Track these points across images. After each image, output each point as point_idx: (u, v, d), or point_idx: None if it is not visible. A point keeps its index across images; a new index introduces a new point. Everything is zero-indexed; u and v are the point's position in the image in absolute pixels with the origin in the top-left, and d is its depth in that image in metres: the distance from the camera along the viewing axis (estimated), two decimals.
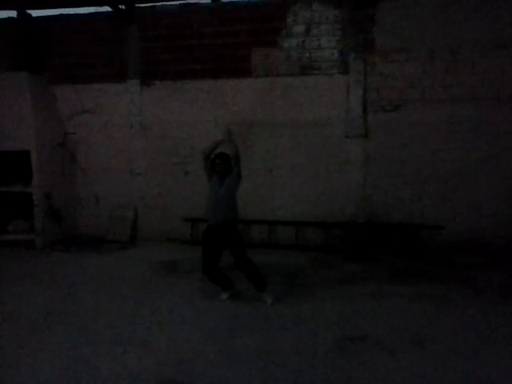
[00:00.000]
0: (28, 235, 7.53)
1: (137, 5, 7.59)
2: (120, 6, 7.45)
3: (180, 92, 7.56)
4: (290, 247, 7.17)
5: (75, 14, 7.92)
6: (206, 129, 7.41)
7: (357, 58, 6.97)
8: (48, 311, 4.57)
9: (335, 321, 4.26)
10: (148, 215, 7.84)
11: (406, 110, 6.86)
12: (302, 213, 7.24)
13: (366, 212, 7.05)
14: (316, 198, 7.19)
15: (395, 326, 4.12)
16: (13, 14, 7.86)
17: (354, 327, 4.11)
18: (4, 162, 7.62)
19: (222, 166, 4.64)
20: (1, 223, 7.77)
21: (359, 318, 4.33)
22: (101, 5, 7.63)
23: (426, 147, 6.82)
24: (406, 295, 4.92)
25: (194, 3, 7.50)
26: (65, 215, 7.92)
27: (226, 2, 7.38)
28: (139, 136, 7.81)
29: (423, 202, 6.87)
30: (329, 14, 7.03)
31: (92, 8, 7.91)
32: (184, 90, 7.54)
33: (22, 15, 7.79)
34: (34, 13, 7.95)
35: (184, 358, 3.56)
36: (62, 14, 7.96)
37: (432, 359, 3.48)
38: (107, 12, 7.63)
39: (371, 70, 6.95)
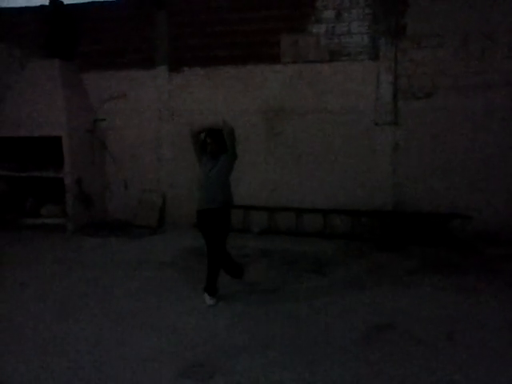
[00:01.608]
0: (59, 219, 7.71)
1: None
2: None
3: (208, 78, 7.57)
4: (316, 235, 7.14)
5: (105, 1, 7.97)
6: (234, 115, 7.39)
7: (387, 44, 6.82)
8: (77, 294, 4.68)
9: (365, 309, 4.24)
10: (176, 201, 7.92)
11: (438, 98, 6.69)
12: (330, 200, 7.19)
13: (394, 201, 6.96)
14: (344, 186, 7.12)
15: (424, 316, 4.08)
16: (45, 1, 7.99)
17: (382, 317, 4.08)
18: (37, 147, 7.82)
19: (214, 145, 4.24)
20: (34, 207, 7.99)
21: (388, 307, 4.29)
22: None
23: (457, 135, 6.65)
24: (435, 286, 4.86)
25: None
26: (95, 200, 8.08)
27: None
28: (167, 122, 7.87)
29: (454, 192, 6.72)
30: None
31: None
32: (212, 76, 7.54)
33: (54, 3, 7.89)
34: (66, 0, 8.05)
35: (212, 343, 3.61)
36: (92, 2, 8.03)
37: (462, 352, 3.42)
38: None
39: (402, 56, 6.79)
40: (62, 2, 8.00)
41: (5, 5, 8.43)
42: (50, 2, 7.89)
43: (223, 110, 7.44)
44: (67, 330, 3.85)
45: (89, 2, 8.05)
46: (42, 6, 8.04)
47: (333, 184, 7.17)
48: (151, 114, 7.95)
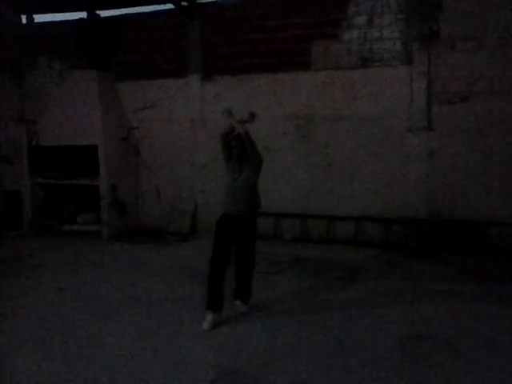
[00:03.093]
0: (95, 226, 7.91)
1: (198, 1, 7.74)
2: (182, 3, 7.62)
3: (240, 86, 7.63)
4: (348, 243, 7.05)
5: (140, 13, 8.22)
6: (266, 123, 7.43)
7: (421, 49, 6.72)
8: (114, 299, 4.77)
9: (399, 318, 4.15)
10: (207, 208, 7.97)
11: (474, 102, 6.52)
12: (362, 208, 7.10)
13: (428, 208, 6.81)
14: (376, 193, 7.02)
15: (463, 326, 3.96)
16: (83, 15, 8.26)
17: (418, 326, 3.99)
18: (74, 156, 8.06)
19: (240, 148, 4.08)
20: (71, 214, 8.23)
21: (425, 316, 4.19)
22: (164, 2, 7.86)
23: (494, 140, 6.44)
24: (474, 295, 4.72)
25: None
26: (129, 207, 8.24)
27: None
28: (199, 130, 7.97)
29: (491, 198, 6.51)
30: (392, 3, 6.81)
31: (156, 6, 8.13)
32: (244, 84, 7.60)
33: (92, 16, 8.16)
34: (103, 13, 8.32)
35: (247, 350, 3.60)
36: (127, 14, 8.28)
37: (505, 364, 3.29)
38: (170, 9, 7.85)
39: (436, 60, 6.68)
40: (99, 15, 8.26)
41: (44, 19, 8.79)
42: (88, 15, 8.16)
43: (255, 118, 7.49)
44: (103, 333, 3.92)
45: (124, 14, 8.30)
46: (80, 19, 8.32)
47: (365, 191, 7.08)
48: (184, 122, 8.07)
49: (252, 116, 4.21)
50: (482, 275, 5.41)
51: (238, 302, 4.38)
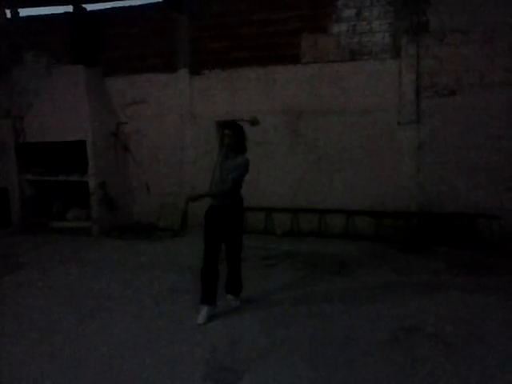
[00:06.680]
0: (85, 223, 7.84)
1: None
2: None
3: (229, 81, 7.59)
4: (340, 236, 7.08)
5: (127, 7, 8.12)
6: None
7: (409, 42, 6.72)
8: (105, 297, 4.73)
9: (390, 311, 4.18)
10: (198, 204, 7.92)
11: (463, 95, 6.55)
12: (352, 202, 7.11)
13: (418, 201, 6.84)
14: (366, 187, 7.04)
15: (453, 318, 3.99)
16: (69, 8, 8.13)
17: (409, 319, 4.01)
18: (63, 152, 7.97)
19: (233, 138, 3.96)
20: (60, 211, 8.15)
21: (414, 309, 4.22)
22: None
23: (483, 134, 6.49)
24: (463, 287, 4.76)
25: None
26: (119, 203, 8.17)
27: None
28: (189, 125, 7.92)
29: (480, 191, 6.56)
30: None
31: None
32: (233, 78, 7.56)
33: (78, 10, 8.03)
34: (89, 7, 8.20)
35: (237, 346, 3.60)
36: (114, 7, 8.16)
37: (495, 355, 3.33)
38: (158, 3, 7.77)
39: (425, 53, 6.69)
40: (85, 9, 8.14)
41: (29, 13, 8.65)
42: (74, 9, 8.04)
43: (244, 112, 7.43)
44: (94, 330, 3.90)
45: (111, 8, 8.18)
46: (66, 13, 8.20)
47: (355, 185, 7.09)
48: (173, 117, 8.01)
49: (253, 123, 4.18)
50: (473, 268, 5.45)
51: (229, 296, 4.39)
